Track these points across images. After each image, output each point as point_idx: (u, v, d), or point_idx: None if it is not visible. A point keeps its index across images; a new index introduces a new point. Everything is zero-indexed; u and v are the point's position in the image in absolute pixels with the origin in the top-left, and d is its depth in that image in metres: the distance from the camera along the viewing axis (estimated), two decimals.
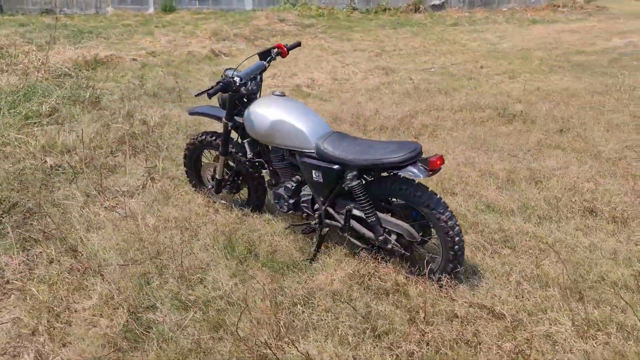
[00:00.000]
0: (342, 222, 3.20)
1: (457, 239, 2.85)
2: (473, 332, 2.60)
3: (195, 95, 3.20)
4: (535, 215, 3.72)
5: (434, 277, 3.01)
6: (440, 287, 2.95)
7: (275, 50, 3.55)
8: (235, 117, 3.53)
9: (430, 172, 2.79)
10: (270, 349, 2.48)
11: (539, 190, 4.03)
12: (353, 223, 3.21)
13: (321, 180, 3.10)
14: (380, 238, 3.04)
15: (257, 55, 3.62)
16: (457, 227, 2.86)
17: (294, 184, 3.34)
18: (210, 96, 3.05)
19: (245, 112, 3.35)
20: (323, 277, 3.07)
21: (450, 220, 2.84)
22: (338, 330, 2.64)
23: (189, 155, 4.04)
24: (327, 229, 3.29)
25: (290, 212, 3.44)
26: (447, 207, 2.89)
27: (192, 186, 4.20)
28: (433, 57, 9.65)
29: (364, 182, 3.08)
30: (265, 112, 3.24)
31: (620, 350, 2.43)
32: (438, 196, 2.91)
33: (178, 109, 6.16)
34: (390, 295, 2.93)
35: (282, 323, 2.65)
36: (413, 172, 2.80)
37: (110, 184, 4.29)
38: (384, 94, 7.04)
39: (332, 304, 2.84)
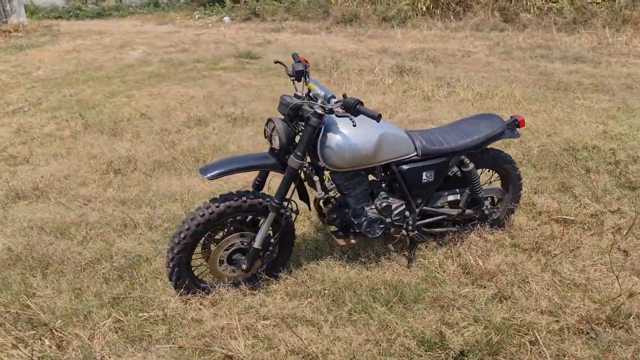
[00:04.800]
0: (454, 212, 3.35)
1: (522, 181, 3.62)
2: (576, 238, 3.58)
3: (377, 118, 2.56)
4: None
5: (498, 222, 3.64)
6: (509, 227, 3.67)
7: (306, 64, 3.07)
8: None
9: (518, 131, 3.44)
10: None
11: None
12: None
13: (432, 179, 3.18)
14: (484, 209, 3.43)
15: (290, 76, 3.01)
16: None
17: (388, 199, 3.16)
18: (379, 118, 2.58)
19: (337, 140, 2.84)
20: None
21: (518, 168, 3.57)
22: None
23: (189, 245, 2.87)
24: (416, 232, 3.32)
25: (385, 233, 3.21)
26: None
27: (186, 289, 2.99)
28: None
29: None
30: (369, 130, 2.92)
31: None
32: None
33: None
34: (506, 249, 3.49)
35: None
36: (513, 135, 3.37)
37: None
38: (70, 147, 5.77)
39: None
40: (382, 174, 3.17)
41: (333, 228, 3.33)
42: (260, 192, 3.05)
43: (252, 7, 16.59)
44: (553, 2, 13.13)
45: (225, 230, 3.04)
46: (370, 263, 3.31)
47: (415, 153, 3.13)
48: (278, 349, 2.59)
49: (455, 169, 3.30)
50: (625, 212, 3.84)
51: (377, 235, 3.17)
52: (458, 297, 2.96)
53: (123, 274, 3.26)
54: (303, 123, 2.88)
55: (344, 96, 2.74)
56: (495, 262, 3.20)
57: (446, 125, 3.43)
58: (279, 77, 8.91)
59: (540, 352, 2.51)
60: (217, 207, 2.84)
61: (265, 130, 2.94)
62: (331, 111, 2.75)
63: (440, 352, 2.56)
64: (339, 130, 2.86)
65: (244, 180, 4.50)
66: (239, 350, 2.59)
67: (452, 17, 13.89)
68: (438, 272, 3.24)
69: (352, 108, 2.64)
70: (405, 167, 3.12)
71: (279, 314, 2.85)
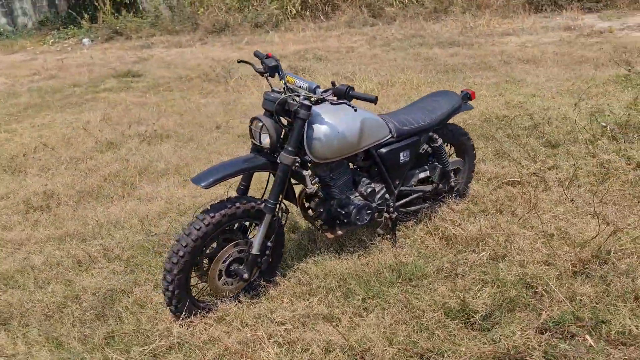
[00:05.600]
0: (429, 188, 3.48)
1: (475, 151, 3.86)
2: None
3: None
4: None
5: (460, 193, 3.83)
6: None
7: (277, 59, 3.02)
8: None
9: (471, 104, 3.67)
10: None
11: None
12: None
13: (408, 158, 3.30)
14: (451, 181, 3.61)
15: (261, 74, 2.95)
16: None
17: (371, 184, 3.22)
18: (376, 100, 2.62)
19: (324, 130, 2.83)
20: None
21: (472, 139, 3.81)
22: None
23: (188, 263, 2.72)
24: (396, 212, 3.41)
25: (371, 218, 3.26)
26: None
27: (187, 312, 2.81)
28: None
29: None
30: (351, 117, 2.96)
31: None
32: None
33: None
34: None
35: None
36: (468, 107, 3.60)
37: None
38: None
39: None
40: (362, 160, 3.19)
41: (317, 222, 3.29)
42: (248, 196, 2.94)
43: (113, 25, 15.74)
44: None
45: (216, 242, 2.87)
46: (360, 251, 3.31)
47: (390, 135, 3.19)
48: (312, 350, 2.51)
49: (425, 146, 3.42)
50: (560, 166, 4.23)
51: (365, 221, 3.18)
52: (457, 265, 3.07)
53: (103, 311, 2.96)
54: (288, 118, 2.83)
55: (333, 84, 2.73)
56: (475, 229, 3.36)
57: (408, 106, 3.54)
58: (172, 91, 8.58)
59: (556, 298, 2.69)
60: (212, 217, 2.68)
61: (250, 129, 2.83)
62: (320, 101, 2.72)
63: (468, 317, 2.64)
64: (325, 120, 2.84)
65: (189, 197, 4.28)
66: (273, 359, 2.47)
67: (322, 18, 14.29)
68: (422, 249, 3.33)
69: (346, 94, 2.64)
70: (383, 150, 3.17)
71: (295, 316, 2.76)
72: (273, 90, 2.88)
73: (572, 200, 3.76)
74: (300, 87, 2.81)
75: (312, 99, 2.73)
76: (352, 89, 2.65)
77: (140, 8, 16.69)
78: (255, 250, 2.83)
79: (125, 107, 7.65)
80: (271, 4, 14.63)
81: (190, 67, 10.27)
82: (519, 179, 4.06)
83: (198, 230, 2.65)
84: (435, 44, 10.26)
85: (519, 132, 5.08)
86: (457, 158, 3.73)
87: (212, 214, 2.69)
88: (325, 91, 2.72)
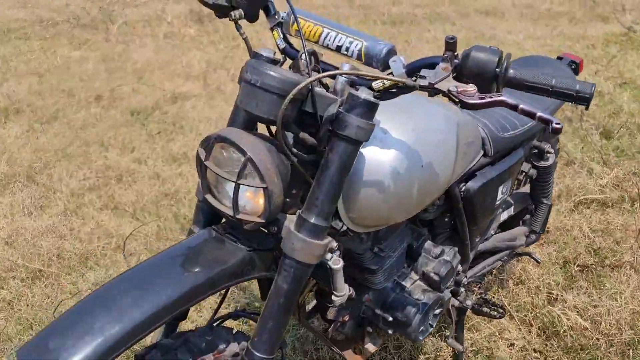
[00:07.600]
0: (522, 238, 1.91)
1: None
2: None
3: None
4: None
5: None
6: None
7: None
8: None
9: None
10: None
11: None
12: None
13: (507, 193, 1.68)
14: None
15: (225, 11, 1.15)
16: None
17: (444, 255, 1.55)
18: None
19: (394, 163, 1.11)
20: None
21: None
22: None
23: None
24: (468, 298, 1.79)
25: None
26: None
27: None
28: None
29: None
30: (442, 121, 1.29)
31: None
32: None
33: None
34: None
35: None
36: None
37: None
38: None
39: None
40: (435, 209, 1.50)
41: (332, 334, 1.57)
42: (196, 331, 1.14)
43: None
44: None
45: None
46: None
47: (482, 153, 1.52)
48: None
49: (525, 166, 1.80)
50: None
51: (428, 332, 1.52)
52: None
53: None
54: (308, 135, 1.05)
55: (449, 45, 0.97)
56: (608, 317, 1.84)
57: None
58: (29, 40, 6.21)
59: None
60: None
61: (202, 170, 1.01)
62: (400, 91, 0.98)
63: None
64: (393, 137, 1.11)
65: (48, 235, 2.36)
66: None
67: None
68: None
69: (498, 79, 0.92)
70: (474, 184, 1.50)
71: None
72: (259, 55, 1.07)
73: None
74: (337, 49, 1.05)
75: (379, 87, 0.98)
76: (509, 56, 0.94)
77: None
78: None
79: None
80: None
81: (54, 7, 7.77)
82: (600, 196, 2.60)
83: None
84: None
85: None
86: None
87: None
88: (430, 61, 0.97)
